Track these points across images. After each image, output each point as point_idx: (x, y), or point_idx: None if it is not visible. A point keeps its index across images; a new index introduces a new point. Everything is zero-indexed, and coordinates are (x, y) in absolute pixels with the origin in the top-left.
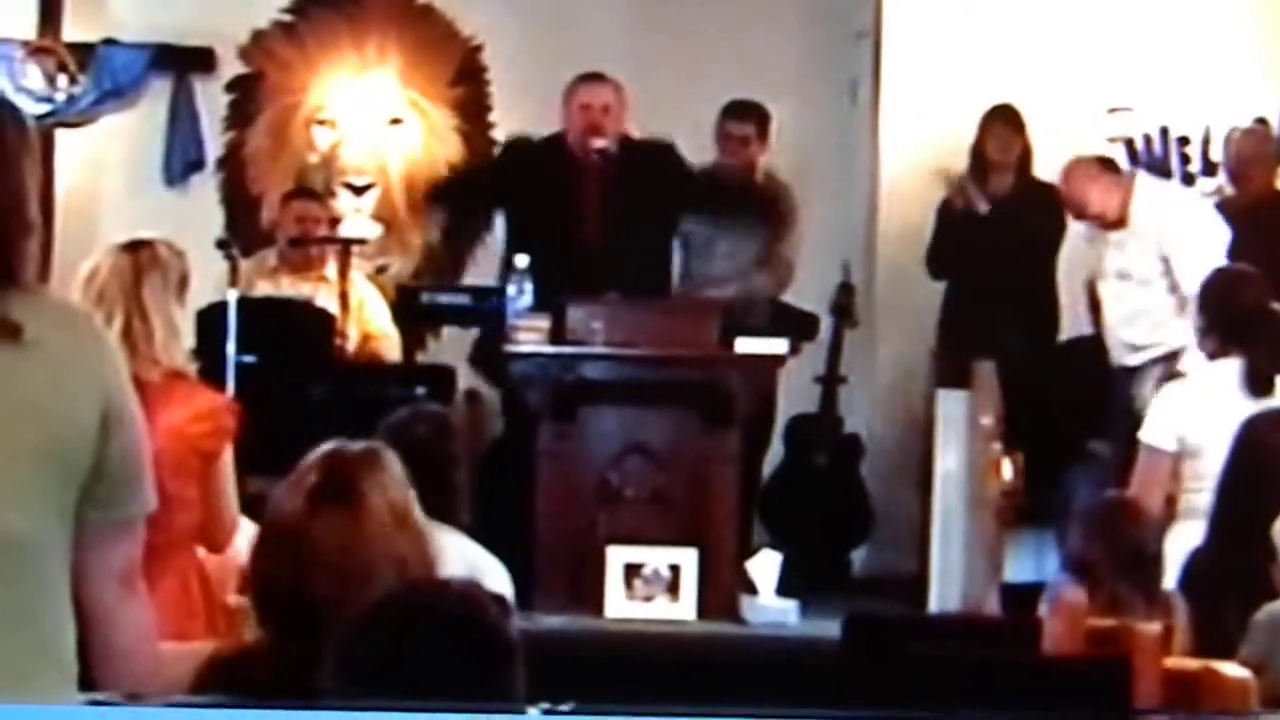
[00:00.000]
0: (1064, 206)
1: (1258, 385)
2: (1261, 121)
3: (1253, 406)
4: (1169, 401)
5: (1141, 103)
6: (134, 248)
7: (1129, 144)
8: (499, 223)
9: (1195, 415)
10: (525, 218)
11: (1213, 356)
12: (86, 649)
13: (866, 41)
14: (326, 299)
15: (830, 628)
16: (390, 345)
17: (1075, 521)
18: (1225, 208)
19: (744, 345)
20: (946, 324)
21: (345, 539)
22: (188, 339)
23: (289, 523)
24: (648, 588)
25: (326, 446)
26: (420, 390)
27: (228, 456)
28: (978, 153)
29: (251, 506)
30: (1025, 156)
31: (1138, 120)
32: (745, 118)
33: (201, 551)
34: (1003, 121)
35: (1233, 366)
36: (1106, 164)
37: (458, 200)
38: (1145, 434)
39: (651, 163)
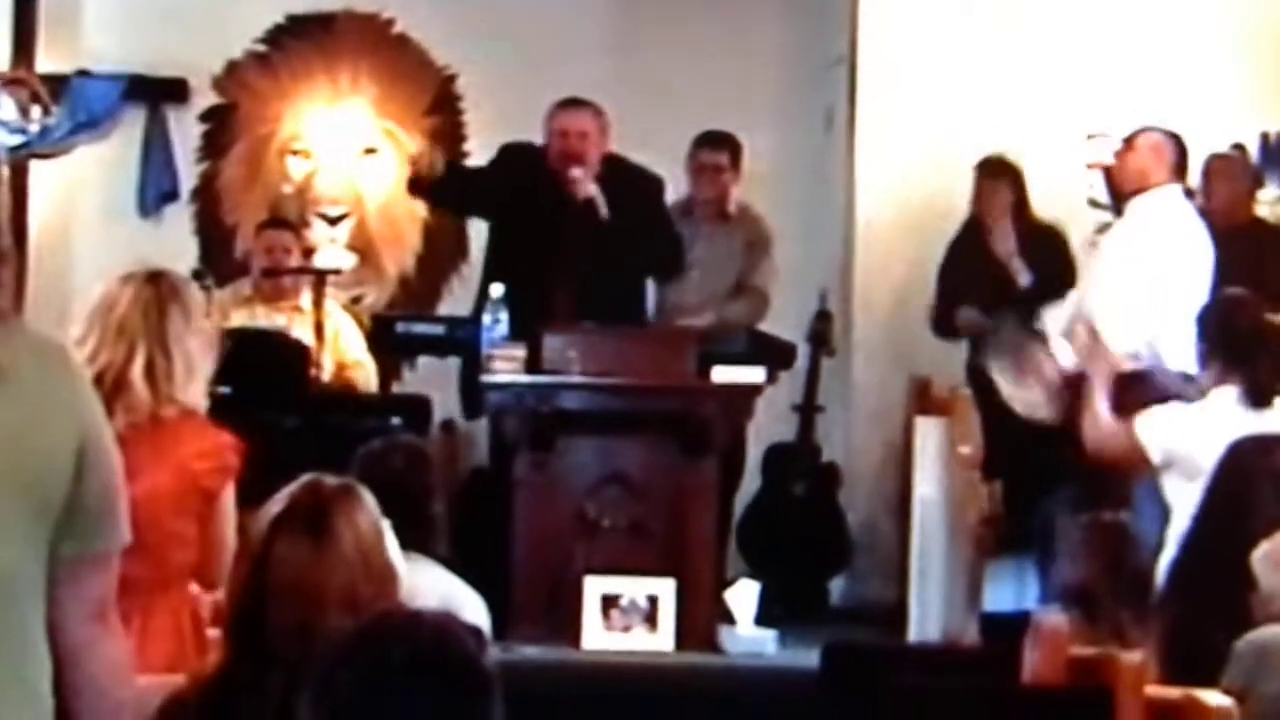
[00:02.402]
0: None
1: (1259, 398)
2: (1239, 148)
3: (1250, 421)
4: (1156, 416)
5: (1119, 129)
6: (155, 279)
7: (1106, 170)
8: (474, 253)
9: (1186, 434)
10: (506, 232)
11: (1216, 384)
12: (61, 684)
13: (842, 68)
14: (301, 330)
15: (809, 657)
16: (366, 375)
17: (1071, 547)
18: None
19: (721, 374)
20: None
21: (304, 567)
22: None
23: (253, 546)
24: (625, 618)
25: (305, 478)
26: (396, 421)
27: (229, 495)
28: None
29: None
30: (1019, 205)
31: (1115, 146)
32: (718, 147)
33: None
34: (981, 174)
35: (1230, 394)
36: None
37: (450, 186)
38: None
39: (635, 195)
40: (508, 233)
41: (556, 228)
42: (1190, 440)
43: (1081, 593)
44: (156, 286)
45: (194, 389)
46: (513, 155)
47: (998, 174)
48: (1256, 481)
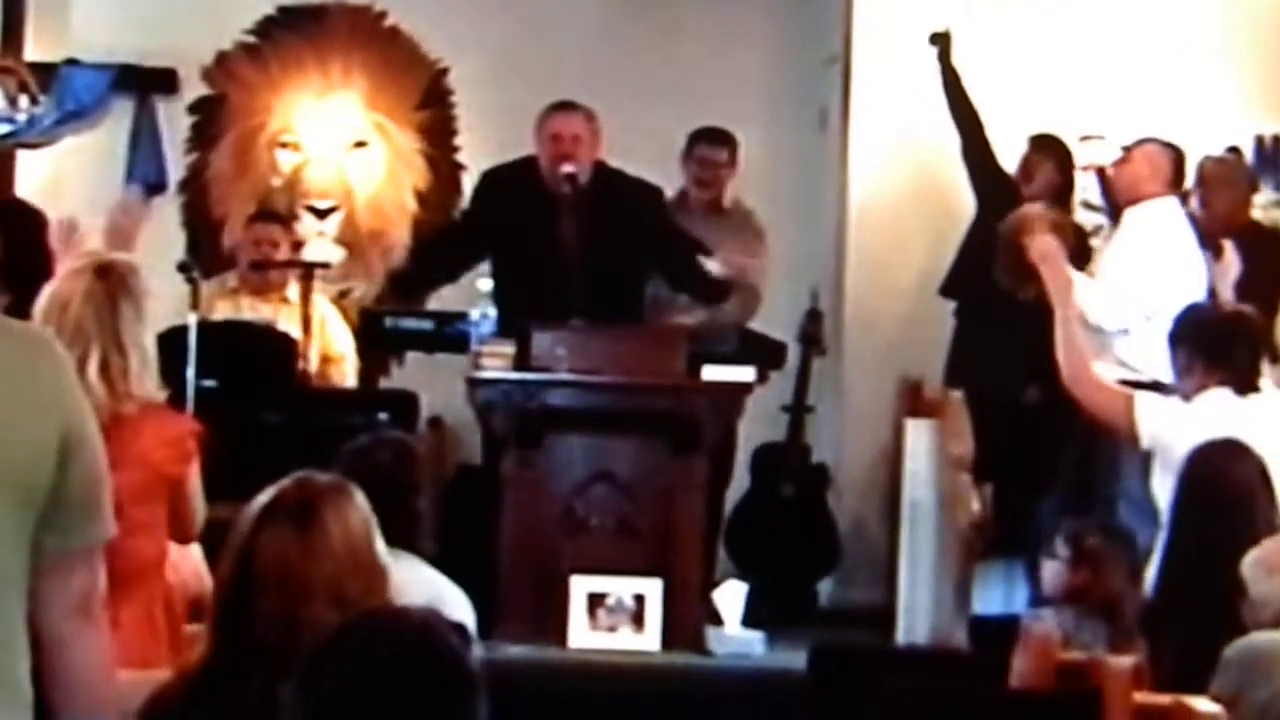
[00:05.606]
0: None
1: (1244, 390)
2: (1234, 151)
3: (1236, 418)
4: (1153, 402)
5: (1114, 131)
6: (104, 272)
7: (1100, 172)
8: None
9: (1174, 426)
10: (500, 248)
11: (1199, 389)
12: (42, 678)
13: (836, 67)
14: (288, 322)
15: (796, 659)
16: (343, 370)
17: (1061, 551)
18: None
19: (711, 373)
20: (956, 359)
21: (290, 557)
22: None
23: (241, 534)
24: (612, 618)
25: (296, 474)
26: (383, 416)
27: (195, 475)
28: None
29: (210, 531)
30: (1061, 187)
31: (1110, 148)
32: (719, 143)
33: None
34: (1031, 148)
35: (1215, 396)
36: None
37: (440, 250)
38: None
39: (634, 203)
40: (500, 245)
41: (550, 230)
42: (1176, 433)
43: (1071, 597)
44: (106, 280)
45: (150, 380)
46: (493, 181)
47: (1046, 151)
48: (1228, 485)
